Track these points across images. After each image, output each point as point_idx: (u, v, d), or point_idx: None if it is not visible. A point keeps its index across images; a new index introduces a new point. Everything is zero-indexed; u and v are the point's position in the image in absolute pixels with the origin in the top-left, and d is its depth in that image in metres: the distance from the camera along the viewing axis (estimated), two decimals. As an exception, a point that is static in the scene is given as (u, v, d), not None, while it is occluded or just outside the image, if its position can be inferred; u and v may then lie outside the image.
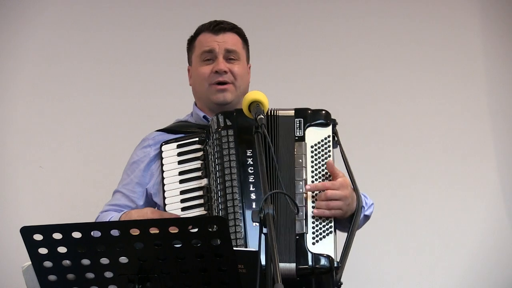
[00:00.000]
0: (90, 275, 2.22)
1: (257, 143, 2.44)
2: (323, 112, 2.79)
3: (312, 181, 2.68)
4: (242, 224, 2.61)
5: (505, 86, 4.12)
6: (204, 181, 2.77)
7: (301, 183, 2.67)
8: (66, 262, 2.21)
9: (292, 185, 2.66)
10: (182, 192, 2.78)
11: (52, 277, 2.23)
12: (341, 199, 2.63)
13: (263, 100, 2.60)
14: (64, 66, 4.13)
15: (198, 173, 2.79)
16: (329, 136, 2.75)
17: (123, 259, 2.19)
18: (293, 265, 2.56)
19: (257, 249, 2.13)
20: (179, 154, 2.83)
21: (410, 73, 4.15)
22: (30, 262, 2.23)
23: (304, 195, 2.65)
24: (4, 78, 4.10)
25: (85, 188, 4.08)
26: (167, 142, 2.88)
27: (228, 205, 2.65)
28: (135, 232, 2.15)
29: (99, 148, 4.11)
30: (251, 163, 2.69)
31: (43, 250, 2.19)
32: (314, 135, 2.75)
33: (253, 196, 2.67)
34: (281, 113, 2.79)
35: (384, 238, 3.92)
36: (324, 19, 4.18)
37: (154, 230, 2.15)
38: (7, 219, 3.95)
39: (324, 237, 2.61)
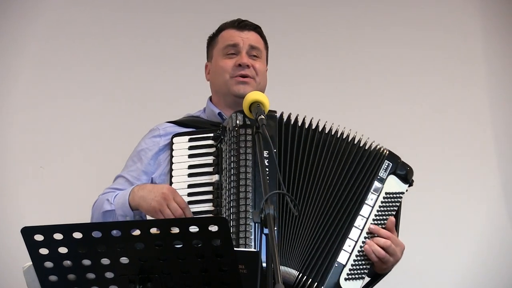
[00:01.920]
0: (91, 276, 2.22)
1: (257, 143, 2.43)
2: (409, 168, 2.81)
3: (372, 223, 2.70)
4: (252, 224, 2.59)
5: (506, 86, 4.13)
6: (215, 177, 2.75)
7: (362, 219, 2.69)
8: (67, 262, 2.21)
9: (354, 216, 2.69)
10: (190, 186, 2.76)
11: (53, 278, 2.23)
12: (392, 256, 2.68)
13: (264, 101, 2.60)
14: (65, 67, 4.14)
15: (209, 169, 2.77)
16: (402, 193, 2.77)
17: (124, 260, 2.19)
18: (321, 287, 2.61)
19: (258, 250, 2.13)
20: (190, 148, 2.81)
21: (410, 73, 4.15)
22: (31, 263, 2.23)
23: (360, 229, 2.68)
24: (4, 78, 4.11)
25: (86, 188, 4.07)
26: (179, 134, 2.86)
27: (241, 203, 2.63)
28: (135, 232, 2.16)
29: (99, 148, 4.11)
30: (267, 164, 2.66)
31: (44, 251, 2.19)
32: (393, 184, 2.77)
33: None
34: (376, 146, 2.81)
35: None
36: (324, 18, 4.18)
37: (154, 231, 2.15)
38: (8, 219, 3.96)
39: (357, 278, 2.64)
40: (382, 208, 2.73)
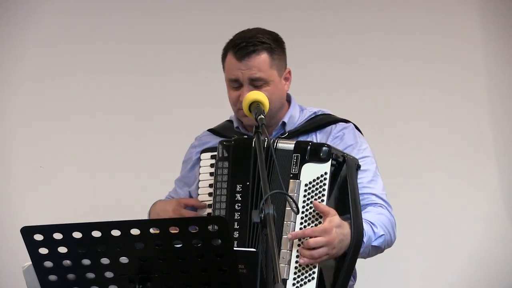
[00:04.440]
0: (91, 275, 2.22)
1: (257, 143, 2.44)
2: (323, 147, 2.64)
3: (301, 222, 2.60)
4: None
5: (506, 86, 4.12)
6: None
7: (289, 223, 2.60)
8: (67, 262, 2.21)
9: (281, 226, 2.59)
10: (209, 206, 2.79)
11: (52, 277, 2.23)
12: (324, 245, 2.54)
13: (264, 100, 2.61)
14: (65, 67, 4.14)
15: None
16: (325, 173, 2.61)
17: (124, 259, 2.19)
18: None
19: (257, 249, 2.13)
20: (212, 166, 2.80)
21: (410, 73, 4.15)
22: (30, 262, 2.23)
23: (289, 238, 2.57)
24: (4, 78, 4.11)
25: (86, 188, 4.08)
26: (205, 150, 2.85)
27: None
28: (135, 232, 2.15)
29: (100, 148, 4.11)
30: (239, 199, 2.68)
31: (43, 250, 2.19)
32: (311, 172, 2.62)
33: (235, 227, 2.66)
34: (280, 145, 2.70)
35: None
36: (325, 19, 4.19)
37: (154, 230, 2.15)
38: (8, 219, 3.96)
39: (305, 283, 2.55)
40: (307, 201, 2.62)
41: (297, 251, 2.57)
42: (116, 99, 4.14)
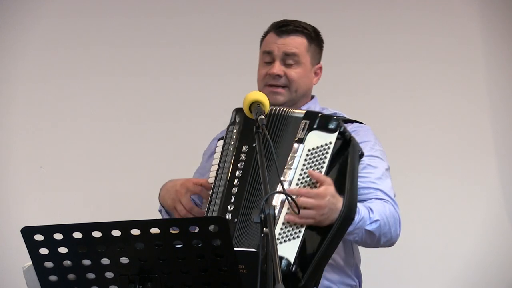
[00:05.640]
0: (91, 276, 2.22)
1: (258, 143, 2.44)
2: (332, 118, 2.69)
3: (297, 184, 2.62)
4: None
5: (506, 86, 4.12)
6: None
7: (285, 184, 2.61)
8: (67, 262, 2.21)
9: (276, 184, 2.59)
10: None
11: (53, 278, 2.23)
12: (313, 208, 2.55)
13: (264, 100, 2.61)
14: (65, 67, 4.14)
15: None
16: (330, 143, 2.64)
17: (124, 260, 2.20)
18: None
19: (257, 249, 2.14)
20: None
21: (410, 72, 4.15)
22: (31, 263, 2.24)
23: (282, 196, 2.58)
24: (5, 78, 4.11)
25: (86, 188, 4.08)
26: (222, 138, 2.89)
27: (212, 199, 2.71)
28: (135, 232, 2.16)
29: (100, 148, 4.11)
30: (244, 158, 2.70)
31: (44, 251, 2.20)
32: (316, 139, 2.66)
33: (234, 190, 2.68)
34: (291, 112, 2.76)
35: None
36: (324, 19, 4.18)
37: (154, 231, 2.16)
38: (8, 219, 3.96)
39: (289, 239, 2.54)
40: (307, 165, 2.63)
41: (288, 208, 2.57)
42: (116, 99, 4.14)
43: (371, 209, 2.75)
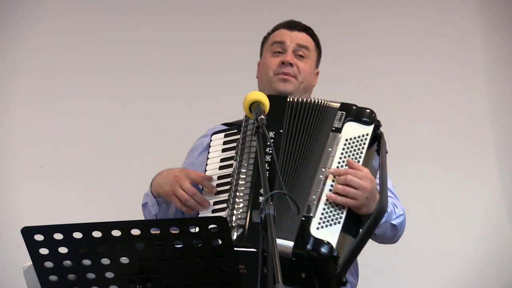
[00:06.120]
0: (91, 276, 2.22)
1: (258, 143, 2.44)
2: (368, 110, 2.76)
3: None
4: (245, 217, 2.60)
5: (506, 85, 4.13)
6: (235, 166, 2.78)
7: (323, 169, 2.64)
8: (67, 262, 2.21)
9: (314, 170, 2.63)
10: (219, 177, 2.79)
11: (53, 278, 2.23)
12: (359, 189, 2.58)
13: (264, 101, 2.60)
14: (66, 66, 4.14)
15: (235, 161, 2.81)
16: (367, 135, 2.70)
17: (124, 260, 2.19)
18: (291, 243, 2.51)
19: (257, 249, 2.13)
20: (225, 143, 2.86)
21: (410, 72, 4.15)
22: (31, 263, 2.23)
23: (323, 179, 2.62)
24: (5, 79, 4.11)
25: (86, 188, 4.08)
26: (217, 132, 2.91)
27: (239, 190, 2.67)
28: (136, 232, 2.15)
29: (99, 149, 4.11)
30: (269, 151, 2.67)
31: (44, 251, 2.19)
32: (352, 130, 2.72)
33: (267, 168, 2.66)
34: (327, 103, 2.80)
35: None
36: (324, 19, 4.19)
37: (155, 231, 2.15)
38: (8, 219, 3.96)
39: (330, 225, 2.56)
40: (345, 154, 2.67)
41: (331, 185, 2.60)
42: (117, 99, 4.14)
43: (394, 204, 2.82)
